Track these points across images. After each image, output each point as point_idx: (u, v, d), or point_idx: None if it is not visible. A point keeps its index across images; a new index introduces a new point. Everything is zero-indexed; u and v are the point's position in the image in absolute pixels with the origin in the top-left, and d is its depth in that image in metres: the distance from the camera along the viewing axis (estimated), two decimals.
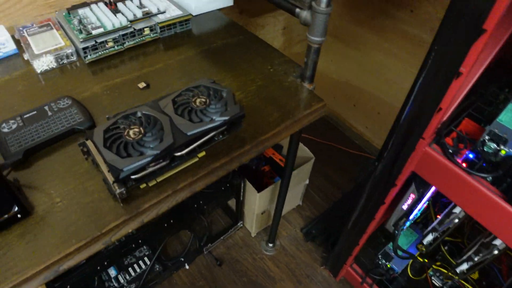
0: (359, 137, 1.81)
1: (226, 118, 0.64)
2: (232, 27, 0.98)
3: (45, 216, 0.56)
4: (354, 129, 1.83)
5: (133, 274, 1.17)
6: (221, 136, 0.67)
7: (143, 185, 0.59)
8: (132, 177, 0.58)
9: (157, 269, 1.25)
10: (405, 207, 0.94)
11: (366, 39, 1.51)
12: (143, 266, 1.18)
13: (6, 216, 0.54)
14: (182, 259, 1.31)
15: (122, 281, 1.13)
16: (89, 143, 0.60)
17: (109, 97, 0.75)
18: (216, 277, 1.33)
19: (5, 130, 0.65)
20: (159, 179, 0.60)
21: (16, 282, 0.50)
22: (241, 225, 1.46)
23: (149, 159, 0.57)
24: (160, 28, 0.91)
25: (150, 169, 0.59)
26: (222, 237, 1.41)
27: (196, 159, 0.64)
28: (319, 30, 0.71)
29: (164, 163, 0.61)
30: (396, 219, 0.97)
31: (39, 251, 0.52)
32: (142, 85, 0.77)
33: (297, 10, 0.73)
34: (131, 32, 0.86)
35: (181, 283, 1.31)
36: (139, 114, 0.64)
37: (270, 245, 1.39)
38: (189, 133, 0.61)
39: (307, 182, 1.44)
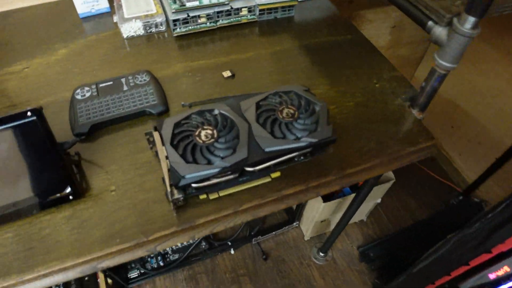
0: (448, 163, 1.58)
1: (314, 140, 0.53)
2: (339, 22, 0.85)
3: (96, 203, 0.51)
4: (445, 153, 1.60)
5: (179, 244, 1.16)
6: (302, 158, 0.56)
7: (203, 196, 0.52)
8: (194, 185, 0.50)
9: (203, 246, 1.27)
10: (492, 276, 0.77)
11: (488, 58, 1.26)
12: (190, 240, 1.17)
13: (58, 195, 0.50)
14: (229, 243, 1.30)
15: (167, 248, 1.13)
16: (156, 135, 0.53)
17: (190, 80, 0.68)
18: (258, 270, 1.29)
19: (79, 97, 0.61)
20: (222, 194, 0.52)
21: (52, 269, 0.46)
22: (297, 225, 1.39)
23: (216, 170, 0.49)
24: (260, 10, 0.80)
25: (214, 180, 0.51)
26: (274, 232, 1.36)
27: (269, 179, 0.54)
28: (454, 54, 0.55)
29: (231, 176, 0.52)
30: (477, 285, 0.81)
31: (82, 241, 0.48)
32: (227, 73, 0.69)
33: (430, 23, 0.57)
34: (227, 10, 0.77)
35: (223, 266, 1.29)
36: (216, 112, 0.56)
37: (322, 254, 1.31)
38: (267, 149, 0.51)
39: (378, 201, 1.29)
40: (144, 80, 0.64)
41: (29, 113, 0.45)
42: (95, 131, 0.59)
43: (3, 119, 0.44)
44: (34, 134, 0.46)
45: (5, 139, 0.45)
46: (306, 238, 1.37)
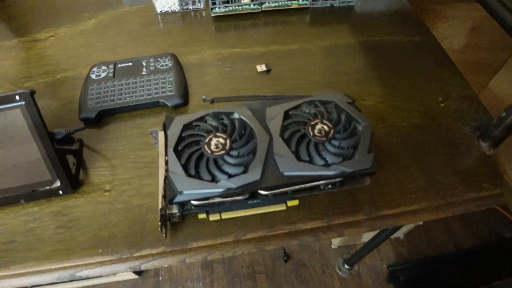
0: (509, 187, 1.36)
1: (347, 170, 0.42)
2: (408, 18, 0.70)
3: (87, 203, 0.46)
4: (505, 175, 1.38)
5: None
6: (329, 187, 0.46)
7: (202, 215, 0.44)
8: (193, 202, 0.43)
9: None
10: None
11: None
12: None
13: (47, 187, 0.45)
14: None
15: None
16: (160, 135, 0.46)
17: (218, 71, 0.59)
18: (277, 270, 1.23)
19: (93, 76, 0.55)
20: (225, 216, 0.44)
21: (28, 270, 0.42)
22: None
23: (219, 190, 0.41)
24: None
25: (217, 199, 0.43)
26: None
27: (283, 207, 0.45)
28: None
29: (239, 198, 0.44)
30: None
31: (64, 243, 0.43)
32: (261, 67, 0.59)
33: None
34: None
35: (241, 260, 1.25)
36: (235, 117, 0.47)
37: (347, 266, 1.22)
38: (286, 174, 0.42)
39: (420, 223, 1.15)
40: (166, 65, 0.56)
41: (17, 97, 0.39)
42: (103, 117, 0.53)
43: None
44: (21, 120, 0.40)
45: None
46: (333, 246, 1.27)
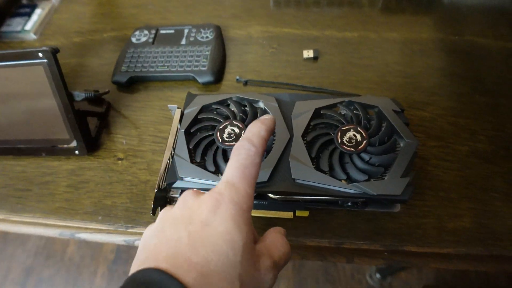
0: None
1: (370, 192, 0.35)
2: (506, 18, 0.57)
3: (99, 167, 0.46)
4: None
5: None
6: (348, 204, 0.40)
7: None
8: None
9: None
10: None
11: None
12: None
13: (65, 146, 0.46)
14: None
15: None
16: (177, 112, 0.43)
17: (260, 50, 0.54)
18: (304, 264, 1.19)
19: (134, 40, 0.54)
20: None
21: (36, 221, 0.44)
22: None
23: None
24: None
25: None
26: None
27: (291, 216, 0.40)
28: None
29: None
30: None
31: (70, 202, 0.44)
32: (308, 53, 0.53)
33: None
34: None
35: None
36: (260, 105, 0.42)
37: (378, 276, 1.13)
38: (298, 181, 0.37)
39: None
40: (207, 37, 0.53)
41: (40, 54, 0.39)
42: (135, 83, 0.52)
43: (11, 55, 0.39)
44: (43, 77, 0.40)
45: (14, 76, 0.41)
46: None
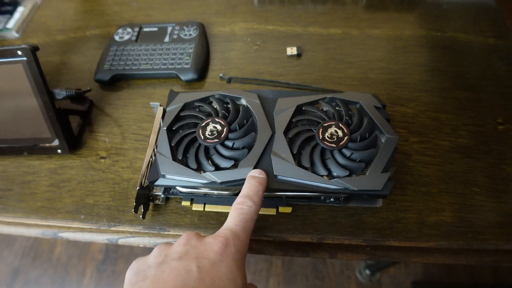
0: None
1: (351, 188, 0.36)
2: (486, 15, 0.57)
3: (81, 166, 0.45)
4: None
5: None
6: (330, 200, 0.40)
7: (186, 202, 0.41)
8: (179, 188, 0.40)
9: None
10: None
11: None
12: None
13: (47, 145, 0.45)
14: None
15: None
16: (159, 110, 0.43)
17: (244, 47, 0.54)
18: (294, 261, 1.20)
19: (117, 38, 0.54)
20: (209, 208, 0.41)
21: (17, 221, 0.43)
22: None
23: (202, 181, 0.37)
24: None
25: (203, 190, 0.40)
26: None
27: (273, 213, 0.40)
28: None
29: (226, 193, 0.40)
30: None
31: (52, 201, 0.43)
32: (292, 50, 0.53)
33: None
34: None
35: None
36: (242, 103, 0.42)
37: (368, 272, 1.14)
38: (279, 177, 0.37)
39: None
40: (190, 35, 0.53)
41: (19, 52, 0.38)
42: (118, 81, 0.52)
43: None
44: (23, 75, 0.40)
45: None
46: None
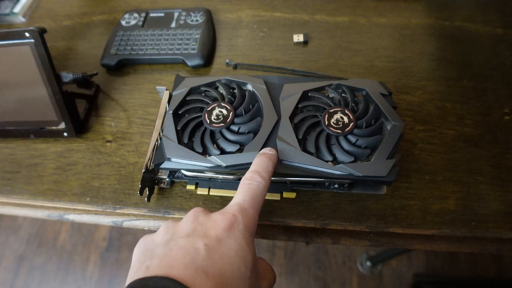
0: None
1: (356, 173, 0.36)
2: (495, 4, 0.57)
3: (87, 149, 0.46)
4: None
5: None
6: (335, 186, 0.40)
7: (191, 186, 0.42)
8: (184, 172, 0.40)
9: None
10: None
11: None
12: None
13: (54, 127, 0.45)
14: None
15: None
16: (165, 94, 0.43)
17: (251, 34, 0.54)
18: (296, 251, 1.20)
19: (124, 23, 0.54)
20: (213, 192, 0.41)
21: (24, 202, 0.44)
22: None
23: (207, 165, 0.37)
24: None
25: (208, 174, 0.40)
26: None
27: (278, 198, 0.41)
28: None
29: (231, 177, 0.40)
30: None
31: (58, 184, 0.44)
32: (298, 37, 0.53)
33: None
34: None
35: None
36: (249, 88, 0.42)
37: (369, 263, 1.15)
38: (284, 162, 0.37)
39: None
40: (197, 21, 0.52)
41: (26, 34, 0.39)
42: (124, 66, 0.52)
43: None
44: (30, 58, 0.40)
45: (0, 57, 0.40)
46: None
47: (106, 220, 0.42)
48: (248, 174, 0.32)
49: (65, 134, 0.45)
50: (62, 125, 0.45)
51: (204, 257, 0.25)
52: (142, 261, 0.27)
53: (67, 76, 0.43)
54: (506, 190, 0.40)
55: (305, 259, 1.17)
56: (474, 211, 0.39)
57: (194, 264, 0.25)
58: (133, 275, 0.26)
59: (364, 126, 0.38)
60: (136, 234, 1.22)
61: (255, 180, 0.31)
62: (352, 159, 0.37)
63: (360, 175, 0.36)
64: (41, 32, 0.39)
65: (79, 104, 0.47)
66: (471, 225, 0.38)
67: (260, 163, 0.33)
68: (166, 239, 0.28)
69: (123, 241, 1.22)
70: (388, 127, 0.39)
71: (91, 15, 0.59)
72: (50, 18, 0.60)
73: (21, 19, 0.60)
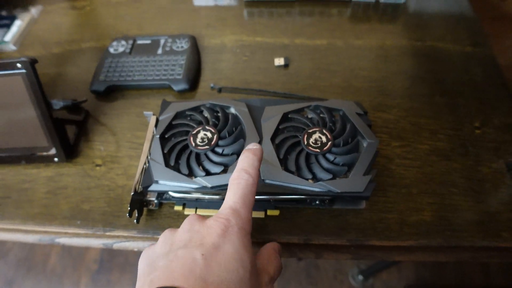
0: None
1: (335, 190, 0.38)
2: (464, 24, 0.61)
3: (77, 173, 0.47)
4: None
5: None
6: (316, 202, 0.42)
7: (178, 207, 0.43)
8: (171, 193, 0.42)
9: None
10: None
11: None
12: None
13: (44, 153, 0.47)
14: None
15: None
16: (152, 119, 0.45)
17: (234, 58, 0.57)
18: (287, 267, 1.21)
19: (112, 50, 0.56)
20: (200, 212, 0.43)
21: (15, 227, 0.45)
22: None
23: (194, 186, 0.39)
24: None
25: (195, 195, 0.42)
26: None
27: (262, 216, 0.42)
28: None
29: (217, 197, 0.42)
30: None
31: (49, 208, 0.45)
32: (279, 61, 0.55)
33: None
34: None
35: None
36: (232, 111, 0.45)
37: (360, 277, 1.15)
38: (267, 181, 0.39)
39: None
40: (182, 47, 0.55)
41: (18, 65, 0.40)
42: (113, 91, 0.54)
43: None
44: (22, 87, 0.42)
45: None
46: None
47: (96, 243, 0.43)
48: (235, 173, 0.32)
49: (56, 159, 0.47)
50: (53, 151, 0.46)
51: (202, 267, 0.26)
52: (147, 274, 0.28)
53: (57, 104, 0.45)
54: (479, 201, 0.43)
55: (297, 275, 1.18)
56: (448, 221, 0.41)
57: (193, 274, 0.26)
58: (140, 283, 0.28)
59: (341, 144, 0.41)
60: (127, 256, 1.22)
61: (242, 178, 0.31)
62: (331, 176, 0.39)
63: (339, 191, 0.38)
64: (32, 62, 0.41)
65: (69, 129, 0.49)
66: (446, 234, 0.40)
67: (245, 159, 0.33)
68: (166, 250, 0.29)
69: (114, 262, 1.21)
70: (364, 145, 0.41)
71: (80, 42, 0.61)
72: (41, 45, 0.62)
73: (11, 47, 0.62)
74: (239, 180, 0.31)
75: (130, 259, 1.21)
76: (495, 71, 0.54)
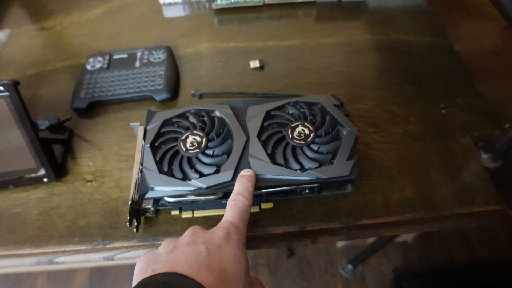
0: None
1: (322, 177, 0.40)
2: (422, 16, 0.66)
3: (69, 191, 0.47)
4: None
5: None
6: (306, 191, 0.45)
7: (175, 212, 0.44)
8: (167, 199, 0.43)
9: None
10: None
11: None
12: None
13: (33, 175, 0.47)
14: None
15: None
16: (140, 130, 0.46)
17: (210, 65, 0.59)
18: (279, 265, 1.22)
19: (89, 67, 0.56)
20: (197, 214, 0.44)
21: (10, 253, 0.44)
22: None
23: (189, 189, 0.40)
24: None
25: (191, 198, 0.43)
26: None
27: (257, 210, 0.44)
28: None
29: (212, 197, 0.44)
30: None
31: (44, 229, 0.45)
32: (255, 63, 0.58)
33: None
34: None
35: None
36: (217, 114, 0.46)
37: (350, 266, 1.19)
38: (258, 176, 0.41)
39: None
40: (159, 58, 0.56)
41: (1, 88, 0.41)
42: (95, 107, 0.54)
43: None
44: (6, 110, 0.42)
45: None
46: (339, 245, 1.24)
47: (97, 257, 0.44)
48: (232, 196, 0.37)
49: (45, 179, 0.47)
50: (41, 171, 0.46)
51: (205, 256, 0.29)
52: (146, 268, 0.30)
53: (43, 123, 0.45)
54: (453, 174, 0.46)
55: (289, 272, 1.20)
56: (428, 196, 0.45)
57: (197, 261, 0.29)
58: (138, 279, 0.29)
59: (323, 134, 0.43)
60: (117, 275, 1.20)
61: (239, 200, 0.36)
62: (317, 164, 0.41)
63: (326, 177, 0.40)
64: (15, 84, 0.41)
65: (55, 148, 0.49)
66: (427, 207, 0.44)
67: (240, 185, 0.38)
68: (169, 249, 0.31)
69: (103, 283, 1.19)
70: (344, 133, 0.44)
71: (55, 62, 0.61)
72: (13, 68, 0.61)
73: None
74: (236, 202, 0.36)
75: (120, 278, 1.19)
76: (454, 57, 0.58)
